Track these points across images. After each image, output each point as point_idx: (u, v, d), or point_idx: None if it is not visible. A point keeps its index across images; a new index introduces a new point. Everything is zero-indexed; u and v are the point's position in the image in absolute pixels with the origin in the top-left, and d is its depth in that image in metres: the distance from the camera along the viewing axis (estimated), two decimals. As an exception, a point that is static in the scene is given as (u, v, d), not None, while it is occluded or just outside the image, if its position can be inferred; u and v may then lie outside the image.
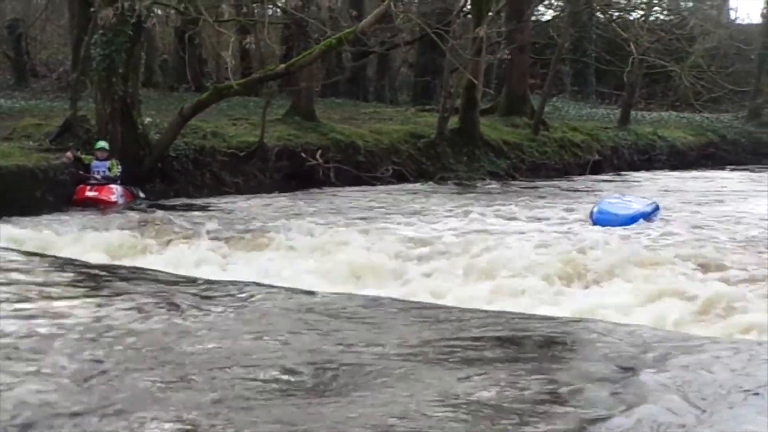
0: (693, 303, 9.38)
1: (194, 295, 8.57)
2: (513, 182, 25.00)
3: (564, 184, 24.90)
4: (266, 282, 9.82)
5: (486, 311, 8.49)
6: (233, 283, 9.44)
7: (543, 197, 21.09)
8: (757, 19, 44.29)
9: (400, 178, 23.78)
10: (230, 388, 5.43)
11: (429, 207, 18.27)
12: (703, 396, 5.28)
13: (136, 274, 10.16)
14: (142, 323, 7.24)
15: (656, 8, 36.98)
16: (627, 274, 10.78)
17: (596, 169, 29.00)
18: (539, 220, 16.25)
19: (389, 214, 17.13)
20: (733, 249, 12.39)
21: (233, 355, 6.24)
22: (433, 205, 18.71)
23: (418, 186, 22.90)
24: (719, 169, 31.31)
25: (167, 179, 19.82)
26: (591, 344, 6.81)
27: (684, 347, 6.56)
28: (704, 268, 10.98)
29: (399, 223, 15.44)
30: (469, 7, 28.92)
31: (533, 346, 6.90)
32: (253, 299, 8.44)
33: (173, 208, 17.49)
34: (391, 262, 11.82)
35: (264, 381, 5.62)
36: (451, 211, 17.44)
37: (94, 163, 17.97)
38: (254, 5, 27.38)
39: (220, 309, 7.92)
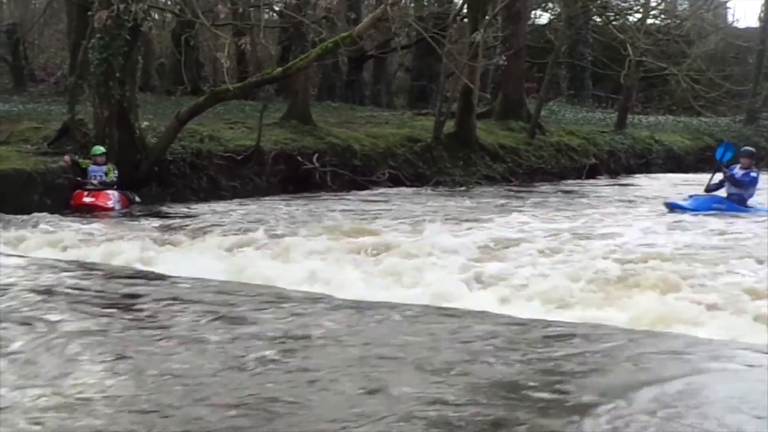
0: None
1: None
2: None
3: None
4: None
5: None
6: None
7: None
8: (754, 22, 44.39)
9: (396, 182, 23.82)
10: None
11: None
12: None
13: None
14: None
15: (653, 12, 37.01)
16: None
17: (593, 173, 29.05)
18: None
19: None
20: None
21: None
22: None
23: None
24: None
25: (164, 183, 19.81)
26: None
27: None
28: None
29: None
30: (465, 11, 28.97)
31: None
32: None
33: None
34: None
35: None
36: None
37: (91, 167, 17.94)
38: (251, 9, 27.43)
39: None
